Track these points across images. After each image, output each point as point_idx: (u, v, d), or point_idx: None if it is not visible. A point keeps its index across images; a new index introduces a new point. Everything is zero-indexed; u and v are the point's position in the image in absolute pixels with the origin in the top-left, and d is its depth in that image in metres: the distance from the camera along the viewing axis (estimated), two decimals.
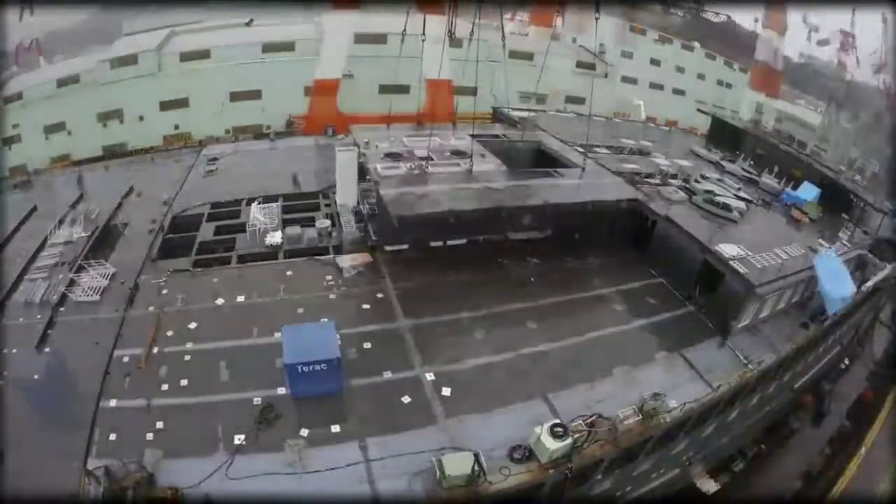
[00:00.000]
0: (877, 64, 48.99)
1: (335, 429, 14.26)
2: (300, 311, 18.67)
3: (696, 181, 30.04)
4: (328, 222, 24.39)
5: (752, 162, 37.13)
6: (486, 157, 27.16)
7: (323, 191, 28.19)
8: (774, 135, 46.61)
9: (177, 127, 46.91)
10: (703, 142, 43.68)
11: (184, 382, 15.41)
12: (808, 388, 29.01)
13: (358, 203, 25.96)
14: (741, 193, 29.65)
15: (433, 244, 23.20)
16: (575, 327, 19.41)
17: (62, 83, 43.76)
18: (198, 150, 36.66)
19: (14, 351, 16.14)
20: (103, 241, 23.61)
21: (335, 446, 13.75)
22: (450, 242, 23.27)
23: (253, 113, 48.23)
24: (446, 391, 15.84)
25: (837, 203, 30.69)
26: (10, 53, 45.57)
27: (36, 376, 13.99)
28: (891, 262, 26.96)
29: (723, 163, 35.91)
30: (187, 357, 16.40)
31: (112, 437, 13.57)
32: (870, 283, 25.11)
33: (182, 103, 46.31)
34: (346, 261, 21.61)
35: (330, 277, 20.83)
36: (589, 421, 14.97)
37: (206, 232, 24.19)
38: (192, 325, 17.75)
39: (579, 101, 56.83)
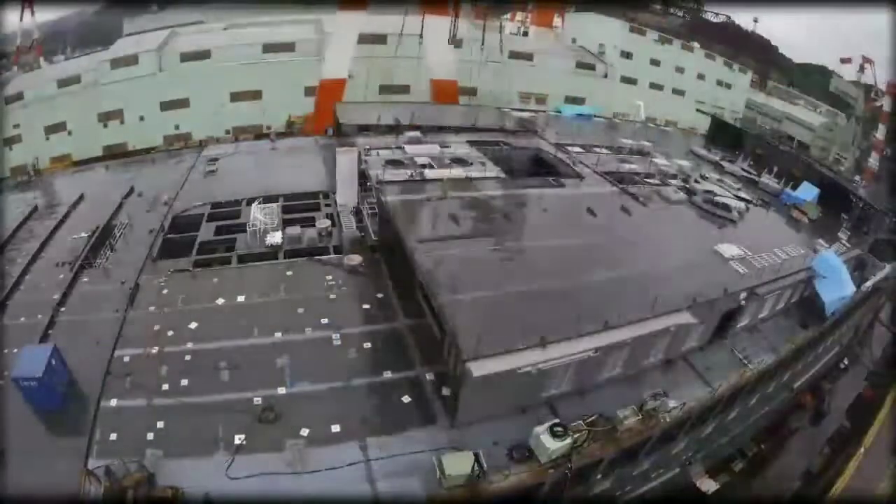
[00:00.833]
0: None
1: (335, 429, 14.27)
2: (300, 310, 18.70)
3: (696, 181, 30.12)
4: (328, 222, 24.43)
5: (751, 162, 37.20)
6: (486, 165, 27.31)
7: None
8: (773, 134, 46.71)
9: (177, 127, 47.00)
10: (703, 142, 43.76)
11: (184, 382, 15.44)
12: (808, 387, 29.05)
13: (358, 203, 26.03)
14: (741, 193, 29.73)
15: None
16: None
17: (63, 83, 43.84)
18: (198, 150, 36.68)
19: (15, 351, 16.16)
20: (103, 241, 23.65)
21: (335, 446, 13.75)
22: None
23: (253, 113, 48.31)
24: (446, 391, 15.85)
25: (836, 203, 30.75)
26: (10, 54, 45.71)
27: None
28: (890, 261, 27.03)
29: (722, 163, 35.98)
30: (188, 357, 16.43)
31: (113, 436, 13.60)
32: (869, 283, 25.17)
33: (182, 103, 46.40)
34: (348, 259, 21.67)
35: (330, 277, 20.84)
36: (589, 421, 15.01)
37: (207, 232, 24.19)
38: (193, 325, 17.79)
39: (579, 101, 57.07)
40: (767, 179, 33.16)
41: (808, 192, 30.58)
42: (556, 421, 14.31)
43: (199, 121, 46.94)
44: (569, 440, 13.82)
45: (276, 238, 23.05)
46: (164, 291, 19.66)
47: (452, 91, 45.24)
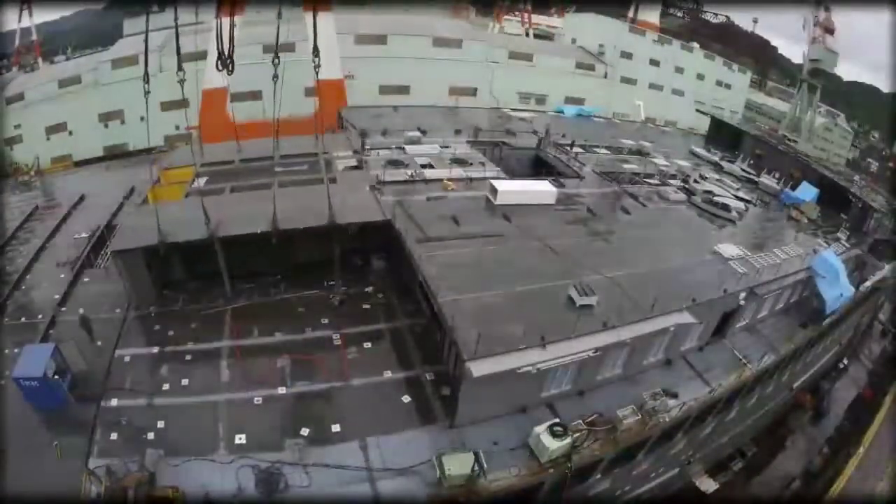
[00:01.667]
0: None
1: (335, 428, 14.30)
2: (300, 310, 18.73)
3: (696, 181, 30.15)
4: None
5: (751, 162, 37.24)
6: (486, 165, 27.32)
7: None
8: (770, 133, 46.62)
9: (178, 127, 46.93)
10: (703, 142, 43.79)
11: (184, 382, 15.47)
12: (807, 387, 29.08)
13: None
14: (740, 193, 29.76)
15: None
16: None
17: (64, 84, 43.87)
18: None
19: (15, 350, 16.17)
20: (104, 240, 23.67)
21: (335, 446, 13.78)
22: None
23: (253, 114, 48.21)
24: (446, 390, 15.87)
25: (836, 203, 30.77)
26: (10, 54, 45.78)
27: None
28: (889, 262, 27.05)
29: (722, 163, 36.00)
30: (188, 357, 16.46)
31: (113, 436, 13.62)
32: (868, 283, 25.19)
33: (183, 104, 46.28)
34: None
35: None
36: (589, 420, 15.03)
37: None
38: (193, 325, 17.81)
39: (579, 100, 57.07)
40: (767, 179, 33.19)
41: (807, 192, 30.62)
42: (556, 421, 14.34)
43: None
44: (568, 440, 13.84)
45: None
46: (165, 291, 19.65)
47: (338, 90, 43.56)
